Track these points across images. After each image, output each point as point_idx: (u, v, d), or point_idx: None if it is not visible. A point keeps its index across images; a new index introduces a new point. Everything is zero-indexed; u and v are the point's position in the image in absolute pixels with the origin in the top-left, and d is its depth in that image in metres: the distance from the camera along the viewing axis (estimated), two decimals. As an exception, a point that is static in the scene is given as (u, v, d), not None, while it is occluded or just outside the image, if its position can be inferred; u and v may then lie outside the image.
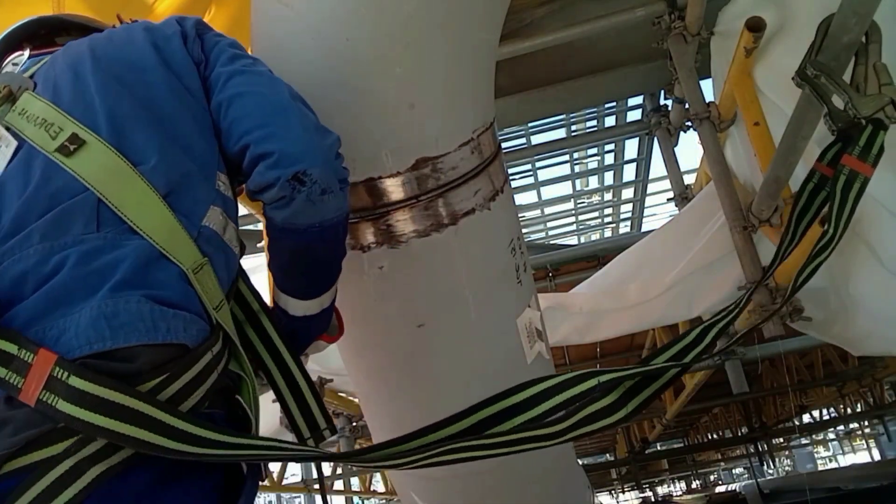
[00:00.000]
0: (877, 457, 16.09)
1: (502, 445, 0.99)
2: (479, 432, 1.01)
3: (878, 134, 1.30)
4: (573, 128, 5.10)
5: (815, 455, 22.99)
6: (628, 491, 20.37)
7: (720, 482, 25.47)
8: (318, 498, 9.19)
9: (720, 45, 2.67)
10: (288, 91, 1.12)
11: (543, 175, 5.79)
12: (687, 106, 2.84)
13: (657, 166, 5.56)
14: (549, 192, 6.29)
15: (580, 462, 5.38)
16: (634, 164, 5.59)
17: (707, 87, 2.86)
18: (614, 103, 4.58)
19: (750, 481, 13.68)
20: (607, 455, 17.69)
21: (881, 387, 7.95)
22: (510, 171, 4.97)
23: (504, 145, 3.91)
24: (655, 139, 3.99)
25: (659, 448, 12.71)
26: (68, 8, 1.87)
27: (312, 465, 7.46)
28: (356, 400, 3.33)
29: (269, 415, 3.17)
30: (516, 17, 2.95)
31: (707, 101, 2.66)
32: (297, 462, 0.98)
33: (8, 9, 1.75)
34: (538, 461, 2.07)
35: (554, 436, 0.99)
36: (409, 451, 0.95)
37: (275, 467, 6.80)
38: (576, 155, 5.75)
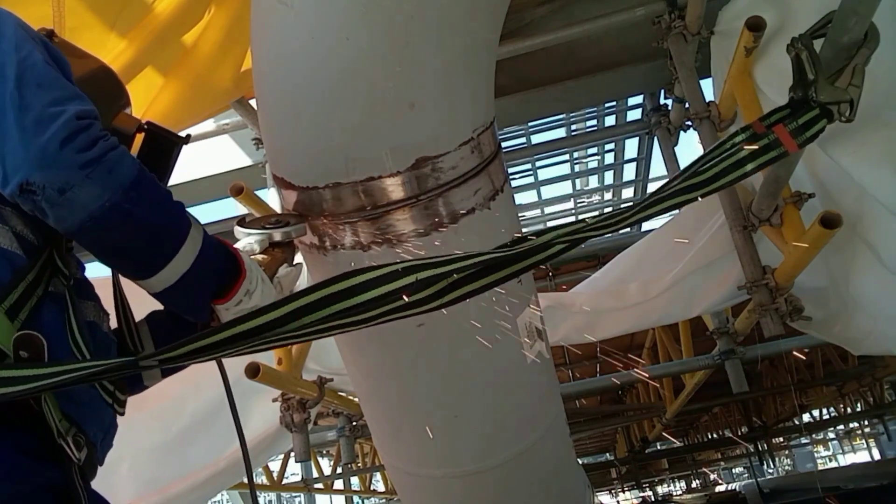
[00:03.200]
0: (877, 456, 16.10)
1: (314, 331, 0.97)
2: (294, 320, 0.96)
3: (819, 120, 1.29)
4: (573, 127, 5.10)
5: (815, 454, 22.99)
6: (628, 490, 20.37)
7: (720, 481, 25.48)
8: (318, 497, 9.18)
9: (720, 44, 2.67)
10: (13, 72, 1.03)
11: (543, 174, 5.79)
12: (687, 105, 2.84)
13: (657, 166, 5.58)
14: (549, 192, 6.29)
15: (580, 462, 5.38)
16: (634, 164, 5.58)
17: (707, 86, 2.86)
18: (614, 103, 4.58)
19: (750, 481, 13.69)
20: (607, 454, 17.70)
21: (881, 386, 7.95)
22: (510, 170, 4.97)
23: (504, 145, 3.91)
24: (655, 139, 3.99)
25: (659, 447, 12.70)
26: (68, 9, 1.87)
27: (312, 464, 7.40)
28: (356, 399, 3.33)
29: (269, 413, 3.18)
30: (516, 17, 2.95)
31: (707, 100, 2.65)
32: (103, 377, 0.93)
33: (7, 9, 1.75)
34: (539, 461, 2.07)
35: (365, 320, 0.97)
36: (217, 344, 0.93)
37: (275, 467, 6.79)
38: (576, 154, 5.74)
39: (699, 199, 1.21)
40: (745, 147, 1.25)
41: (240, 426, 1.37)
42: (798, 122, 1.29)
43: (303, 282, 1.49)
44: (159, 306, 1.31)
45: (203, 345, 0.92)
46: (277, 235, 1.38)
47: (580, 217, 7.41)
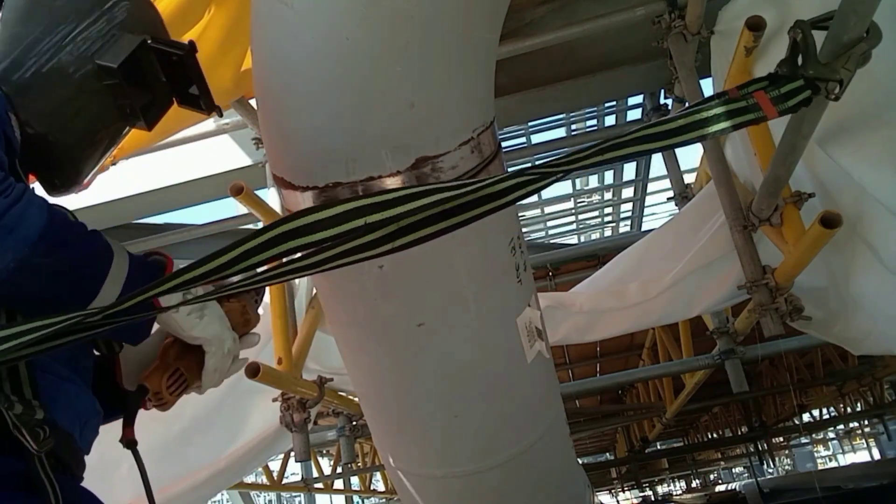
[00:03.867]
0: (877, 456, 16.11)
1: (263, 276, 0.96)
2: (251, 258, 0.94)
3: (804, 90, 1.26)
4: (573, 127, 5.10)
5: (815, 454, 23.01)
6: (628, 490, 20.38)
7: (720, 481, 25.48)
8: (318, 497, 9.18)
9: (720, 44, 2.67)
10: None
11: (543, 174, 5.79)
12: (687, 105, 2.84)
13: (657, 165, 5.58)
14: (548, 191, 6.29)
15: (580, 461, 5.38)
16: (634, 163, 5.59)
17: (707, 86, 2.86)
18: (614, 102, 4.58)
19: (750, 480, 13.69)
20: (607, 454, 17.71)
21: (881, 386, 7.95)
22: (510, 169, 4.96)
23: (504, 144, 3.91)
24: (655, 138, 3.99)
25: (659, 447, 12.71)
26: (68, 7, 1.86)
27: (312, 464, 7.40)
28: (356, 399, 3.33)
29: (269, 413, 3.18)
30: (516, 16, 2.95)
31: (707, 100, 2.65)
32: (68, 336, 0.93)
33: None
34: (539, 461, 2.07)
35: (317, 264, 0.96)
36: (188, 282, 0.92)
37: (275, 466, 6.80)
38: (576, 154, 5.74)
39: (662, 149, 1.16)
40: (719, 108, 1.19)
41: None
42: (780, 90, 1.25)
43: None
44: None
45: (155, 293, 0.90)
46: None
47: (580, 217, 7.41)
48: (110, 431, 1.37)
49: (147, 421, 2.89)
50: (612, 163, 1.16)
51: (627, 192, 6.36)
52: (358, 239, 0.96)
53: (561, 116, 4.79)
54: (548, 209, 6.72)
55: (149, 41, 1.32)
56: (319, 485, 7.48)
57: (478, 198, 1.02)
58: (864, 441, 18.76)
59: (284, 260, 0.96)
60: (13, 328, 0.87)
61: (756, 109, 1.22)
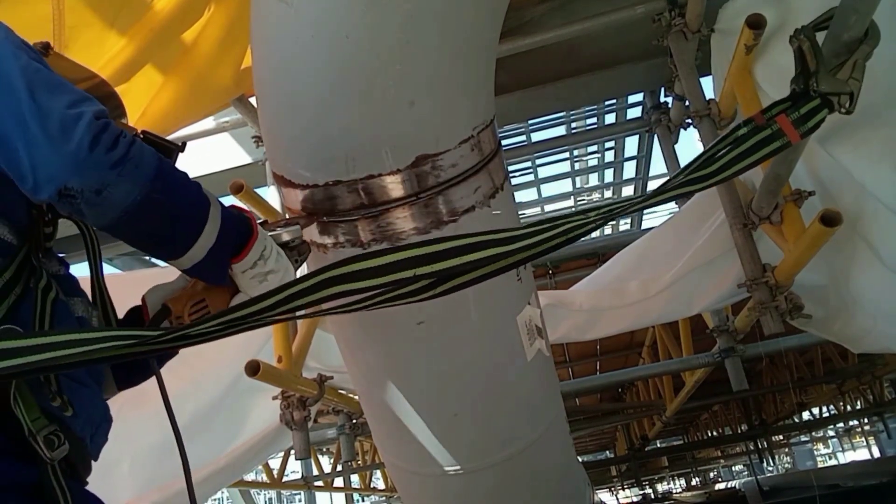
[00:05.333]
0: (876, 454, 16.11)
1: (312, 311, 1.00)
2: (298, 299, 0.98)
3: (821, 110, 1.30)
4: (573, 125, 5.09)
5: (815, 452, 23.02)
6: (628, 488, 20.39)
7: (720, 479, 25.50)
8: (319, 495, 9.19)
9: (721, 42, 2.66)
10: (21, 81, 1.04)
11: (543, 172, 5.79)
12: (687, 103, 2.84)
13: (657, 164, 5.58)
14: (549, 190, 6.29)
15: (580, 459, 5.38)
16: (634, 162, 5.58)
17: (707, 84, 2.86)
18: (614, 100, 4.58)
19: (750, 478, 13.70)
20: (607, 452, 17.73)
21: (881, 384, 7.96)
22: (510, 168, 4.96)
23: (504, 143, 3.91)
24: (656, 136, 3.99)
25: (659, 445, 12.72)
26: (68, 6, 1.87)
27: (312, 462, 7.40)
28: (356, 397, 3.33)
29: (269, 411, 3.18)
30: (516, 14, 2.95)
31: (707, 98, 2.65)
32: (111, 359, 0.98)
33: (7, 8, 1.75)
34: (539, 460, 2.07)
35: (357, 303, 0.99)
36: (236, 321, 0.95)
37: (275, 464, 6.80)
38: (576, 152, 5.74)
39: (705, 188, 1.22)
40: (749, 139, 1.25)
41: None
42: (799, 112, 1.29)
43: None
44: (137, 302, 1.37)
45: (225, 320, 0.94)
46: (286, 235, 1.40)
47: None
48: (111, 430, 1.37)
49: (147, 419, 2.90)
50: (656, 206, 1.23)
51: (628, 191, 6.35)
52: (403, 287, 0.98)
53: (561, 114, 4.79)
54: (548, 207, 6.72)
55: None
56: (319, 483, 7.48)
57: (525, 245, 1.03)
58: (863, 439, 18.78)
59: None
60: (74, 334, 0.90)
61: (781, 136, 1.27)
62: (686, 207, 3.18)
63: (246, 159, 3.59)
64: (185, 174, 1.20)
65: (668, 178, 1.25)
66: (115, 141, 1.05)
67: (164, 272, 2.28)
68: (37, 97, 1.03)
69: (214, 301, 1.37)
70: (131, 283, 1.52)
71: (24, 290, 1.10)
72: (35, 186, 1.03)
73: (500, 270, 1.03)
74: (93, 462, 1.22)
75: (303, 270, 1.34)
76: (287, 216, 1.50)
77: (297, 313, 0.99)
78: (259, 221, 1.43)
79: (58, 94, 1.06)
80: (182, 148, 1.38)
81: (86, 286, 1.33)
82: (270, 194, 3.03)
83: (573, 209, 6.93)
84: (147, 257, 4.51)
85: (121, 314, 1.38)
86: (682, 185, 1.20)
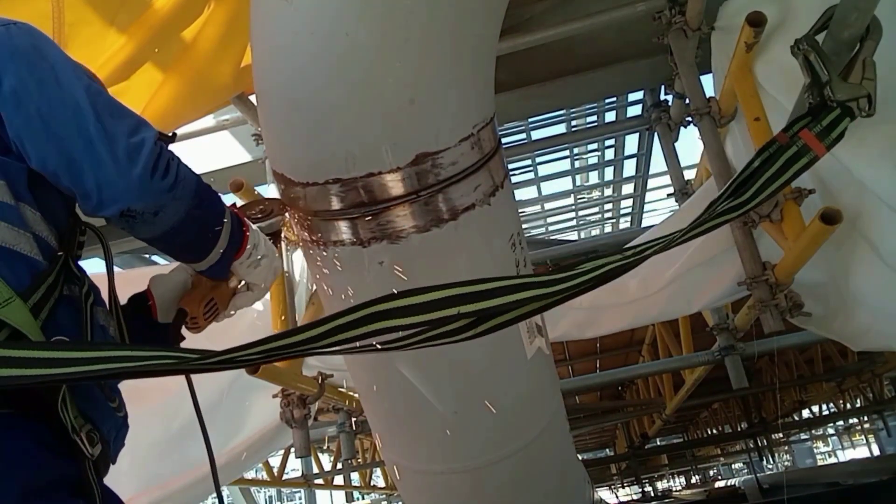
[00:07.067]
0: (876, 452, 16.13)
1: (350, 347, 1.02)
2: (340, 333, 1.00)
3: (842, 119, 1.30)
4: (573, 123, 5.09)
5: (815, 450, 23.04)
6: (628, 486, 20.41)
7: (720, 477, 25.52)
8: (319, 493, 9.20)
9: (721, 40, 2.66)
10: (87, 103, 1.10)
11: (543, 170, 5.80)
12: (687, 101, 2.84)
13: (657, 162, 5.57)
14: (549, 188, 6.30)
15: (580, 457, 5.38)
16: (634, 160, 5.59)
17: (707, 82, 2.85)
18: (614, 98, 4.57)
19: (749, 476, 13.71)
20: (607, 450, 17.75)
21: (881, 382, 7.95)
22: (510, 166, 4.96)
23: (504, 141, 3.91)
24: (656, 134, 3.99)
25: (658, 443, 12.73)
26: (67, 4, 1.87)
27: (312, 460, 7.41)
28: (356, 395, 3.33)
29: (269, 409, 3.18)
30: (516, 13, 2.95)
31: (707, 96, 2.65)
32: (159, 374, 0.97)
33: (7, 5, 1.75)
34: (538, 458, 2.08)
35: (407, 344, 1.01)
36: (279, 349, 0.97)
37: (275, 462, 6.81)
38: (576, 150, 5.74)
39: (739, 216, 1.25)
40: (778, 159, 1.26)
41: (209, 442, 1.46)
42: (822, 124, 1.30)
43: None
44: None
45: (268, 348, 0.97)
46: (267, 228, 1.51)
47: (580, 213, 7.41)
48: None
49: (147, 417, 2.90)
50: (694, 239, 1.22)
51: (628, 189, 6.36)
52: (445, 325, 0.99)
53: (561, 112, 4.79)
54: (548, 205, 6.72)
55: None
56: (320, 481, 7.49)
57: (566, 287, 1.03)
58: (863, 437, 18.80)
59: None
60: (120, 350, 0.97)
61: (807, 151, 1.28)
62: (686, 205, 3.18)
63: (246, 157, 3.59)
64: (208, 185, 1.28)
65: (706, 207, 1.25)
66: (168, 165, 1.15)
67: (163, 270, 2.28)
68: (103, 120, 1.11)
69: (221, 298, 1.50)
70: (134, 280, 1.54)
71: (61, 295, 1.13)
72: (99, 205, 1.11)
73: (539, 310, 1.04)
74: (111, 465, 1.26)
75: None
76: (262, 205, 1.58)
77: (336, 348, 1.01)
78: (239, 207, 1.50)
79: (119, 118, 1.14)
80: (173, 139, 1.41)
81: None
82: (270, 192, 3.03)
83: (573, 207, 6.93)
84: (146, 255, 4.52)
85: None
86: (720, 214, 1.21)
